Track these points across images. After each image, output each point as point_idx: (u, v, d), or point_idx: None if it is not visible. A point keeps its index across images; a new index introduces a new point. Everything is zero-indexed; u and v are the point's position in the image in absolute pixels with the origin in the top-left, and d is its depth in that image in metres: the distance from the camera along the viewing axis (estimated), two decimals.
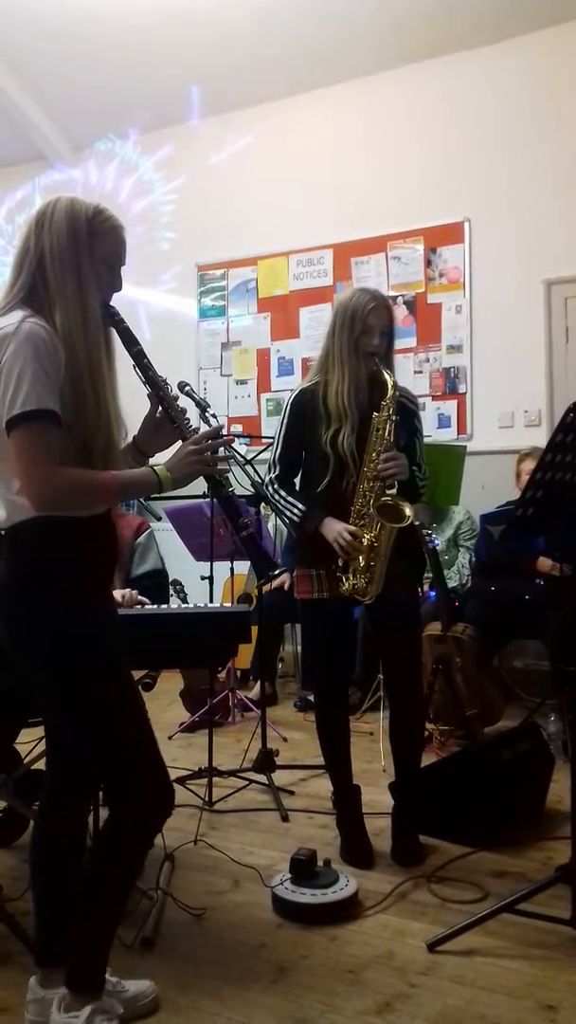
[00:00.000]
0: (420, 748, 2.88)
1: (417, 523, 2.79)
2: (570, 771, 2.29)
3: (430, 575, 3.68)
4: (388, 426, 2.60)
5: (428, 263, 5.38)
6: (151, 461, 1.92)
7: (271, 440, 2.84)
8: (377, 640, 2.92)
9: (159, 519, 3.42)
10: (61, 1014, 1.75)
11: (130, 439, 1.94)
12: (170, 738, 4.07)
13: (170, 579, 3.45)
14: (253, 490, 2.99)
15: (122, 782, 1.76)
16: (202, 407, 2.81)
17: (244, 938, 2.24)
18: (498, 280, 5.16)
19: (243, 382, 6.00)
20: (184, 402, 2.01)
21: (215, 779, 3.27)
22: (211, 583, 3.83)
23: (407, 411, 2.74)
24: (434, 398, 5.33)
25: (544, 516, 2.15)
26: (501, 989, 1.99)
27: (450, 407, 5.31)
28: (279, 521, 3.99)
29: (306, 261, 5.76)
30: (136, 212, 6.11)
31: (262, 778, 3.30)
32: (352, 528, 2.58)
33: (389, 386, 2.61)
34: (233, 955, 2.16)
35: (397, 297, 5.41)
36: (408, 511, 2.55)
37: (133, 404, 1.90)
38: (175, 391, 1.98)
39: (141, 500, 3.02)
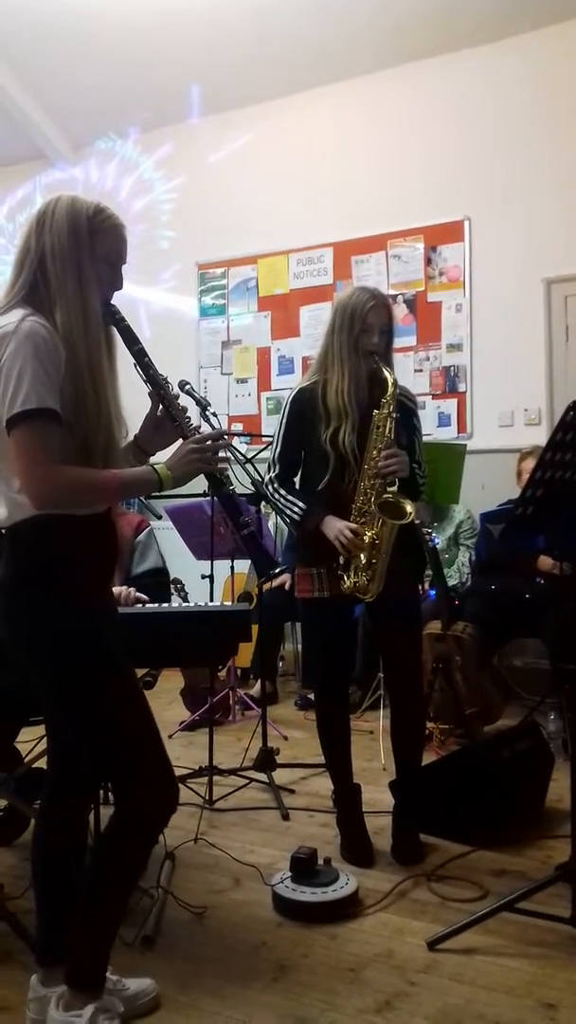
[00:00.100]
0: (421, 747, 2.88)
1: (417, 522, 2.79)
2: (570, 770, 2.29)
3: (430, 574, 3.68)
4: (388, 423, 2.60)
5: (428, 262, 5.37)
6: (152, 460, 1.92)
7: (271, 439, 2.84)
8: (378, 638, 2.92)
9: (159, 517, 3.42)
10: (61, 1012, 1.75)
11: (131, 438, 1.94)
12: (170, 736, 4.07)
13: (171, 578, 3.45)
14: (253, 489, 2.99)
15: (124, 779, 1.76)
16: (202, 406, 2.82)
17: (244, 936, 2.24)
18: (498, 279, 5.16)
19: (243, 381, 6.00)
20: (185, 401, 2.01)
21: (216, 778, 3.27)
22: (211, 582, 3.84)
23: (406, 410, 2.74)
24: (434, 397, 5.33)
25: (544, 515, 2.15)
26: (501, 987, 1.99)
27: (450, 406, 5.31)
28: (279, 520, 4.00)
29: (306, 260, 5.76)
30: (136, 211, 6.11)
31: (263, 777, 3.31)
32: (353, 526, 2.58)
33: (389, 383, 2.61)
34: (234, 953, 2.16)
35: (397, 296, 5.41)
36: (409, 507, 2.55)
37: (134, 403, 1.90)
38: (176, 390, 1.98)
39: (142, 498, 3.02)
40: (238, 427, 5.87)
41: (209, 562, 3.81)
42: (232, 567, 4.06)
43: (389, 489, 2.57)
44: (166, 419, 1.94)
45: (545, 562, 3.92)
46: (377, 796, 2.97)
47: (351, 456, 2.60)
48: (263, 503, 3.21)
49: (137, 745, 1.76)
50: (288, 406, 2.76)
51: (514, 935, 2.20)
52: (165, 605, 2.79)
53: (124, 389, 1.82)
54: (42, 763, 2.12)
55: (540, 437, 4.60)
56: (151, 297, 6.10)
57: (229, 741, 3.95)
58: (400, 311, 5.36)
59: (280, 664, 5.23)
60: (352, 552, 2.58)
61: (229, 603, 4.04)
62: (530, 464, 3.82)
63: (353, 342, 2.65)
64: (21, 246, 1.76)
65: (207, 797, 3.19)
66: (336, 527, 2.59)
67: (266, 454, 2.91)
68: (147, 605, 2.80)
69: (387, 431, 2.59)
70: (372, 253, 5.54)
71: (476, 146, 5.18)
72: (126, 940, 2.13)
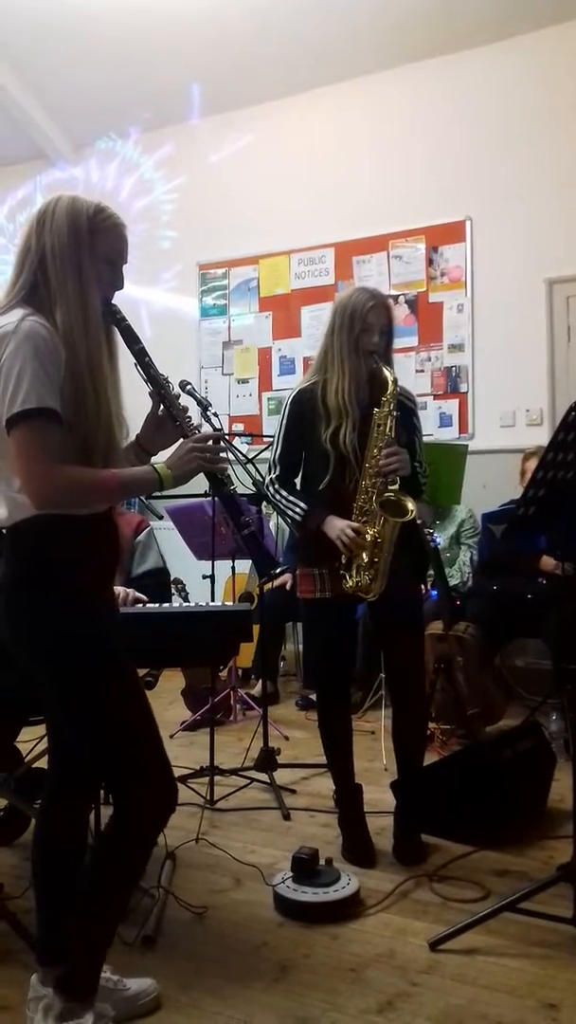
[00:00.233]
0: (422, 747, 2.88)
1: (419, 522, 2.79)
2: (572, 770, 2.29)
3: (432, 574, 3.68)
4: (389, 422, 2.60)
5: (430, 262, 5.37)
6: (152, 460, 1.92)
7: (272, 439, 2.84)
8: (380, 638, 2.92)
9: (160, 518, 3.41)
10: (50, 1022, 1.72)
11: (132, 438, 1.94)
12: (172, 736, 4.07)
13: (172, 578, 3.45)
14: (254, 489, 2.99)
15: (124, 779, 1.76)
16: (203, 406, 2.81)
17: (246, 936, 2.24)
18: (500, 279, 5.16)
19: (244, 381, 5.99)
20: (186, 401, 2.01)
21: (216, 778, 3.27)
22: (212, 582, 3.83)
23: (406, 409, 2.74)
24: (435, 397, 5.33)
25: (546, 515, 2.15)
26: (503, 988, 1.99)
27: (451, 406, 5.31)
28: (281, 520, 4.00)
29: (307, 260, 5.76)
30: (137, 211, 6.11)
31: (264, 777, 3.31)
32: (355, 525, 2.57)
33: (389, 382, 2.61)
34: (235, 953, 2.16)
35: (399, 296, 5.41)
36: (411, 505, 2.55)
37: (135, 403, 1.90)
38: (176, 390, 1.98)
39: (142, 498, 3.02)
40: (239, 427, 5.87)
41: (210, 562, 3.81)
42: (233, 567, 4.06)
43: (390, 487, 2.57)
44: (167, 419, 1.94)
45: (547, 562, 3.92)
46: (379, 796, 2.96)
47: (352, 455, 2.60)
48: (264, 503, 3.21)
49: (138, 745, 1.76)
50: (288, 407, 2.76)
51: (516, 935, 2.19)
52: (166, 605, 2.79)
53: (125, 389, 1.82)
54: (42, 763, 2.12)
55: (542, 437, 4.60)
56: (152, 297, 6.10)
57: (230, 741, 3.95)
58: (402, 311, 5.36)
59: (281, 664, 5.23)
60: (354, 551, 2.58)
61: (230, 603, 4.04)
62: (534, 464, 3.82)
63: (353, 342, 2.65)
64: (21, 246, 1.76)
65: (208, 797, 3.18)
66: (338, 526, 2.58)
67: (267, 454, 2.91)
68: (148, 605, 2.79)
69: (388, 430, 2.59)
70: (373, 253, 5.53)
71: (477, 146, 5.18)
72: (127, 940, 2.14)
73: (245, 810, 3.14)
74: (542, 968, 2.06)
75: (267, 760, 3.32)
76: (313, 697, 3.80)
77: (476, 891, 2.45)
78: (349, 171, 5.55)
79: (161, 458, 1.85)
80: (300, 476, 2.81)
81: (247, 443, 4.87)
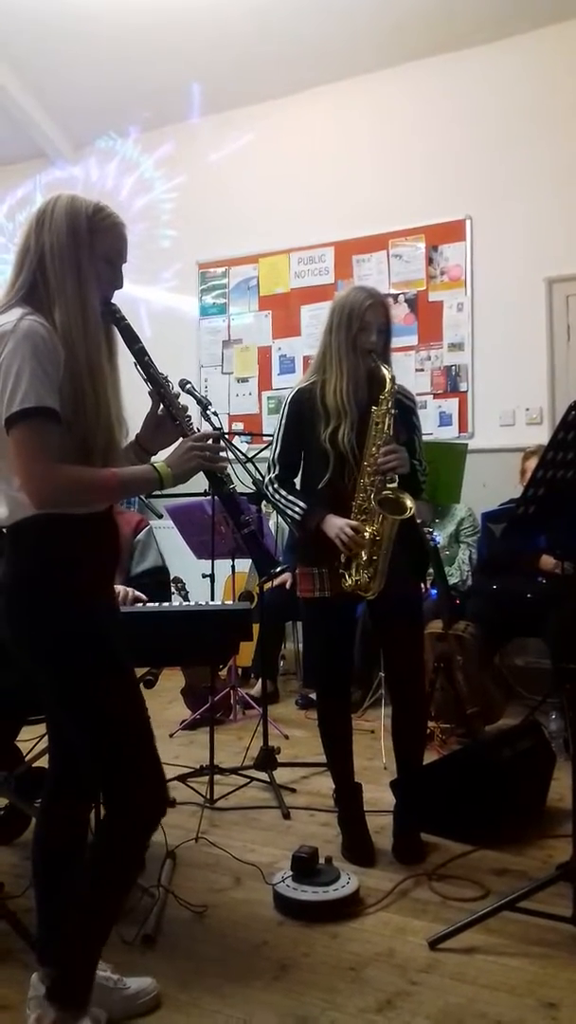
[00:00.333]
0: (422, 746, 2.87)
1: (419, 521, 2.79)
2: (571, 769, 2.29)
3: (432, 573, 3.68)
4: (387, 420, 2.60)
5: (429, 261, 5.37)
6: (152, 459, 1.91)
7: (271, 438, 2.84)
8: (380, 637, 2.92)
9: (160, 516, 3.41)
10: None
11: (132, 437, 1.94)
12: (171, 736, 4.07)
13: (171, 577, 3.44)
14: (254, 488, 2.99)
15: (122, 779, 1.76)
16: (203, 405, 2.81)
17: (245, 935, 2.24)
18: (499, 278, 5.16)
19: (244, 380, 5.99)
20: (185, 400, 2.01)
21: (216, 777, 3.27)
22: (212, 581, 3.83)
23: (405, 408, 2.74)
24: (435, 396, 5.33)
25: (546, 514, 2.15)
26: (502, 987, 1.99)
27: (451, 405, 5.31)
28: (280, 519, 4.00)
29: (307, 259, 5.76)
30: (137, 210, 6.11)
31: (263, 776, 3.31)
32: (354, 523, 2.58)
33: (387, 380, 2.61)
34: (234, 952, 2.16)
35: (398, 295, 5.41)
36: (409, 502, 2.55)
37: (135, 402, 1.90)
38: (176, 389, 1.98)
39: (142, 497, 3.02)
40: (239, 426, 5.87)
41: (210, 561, 3.81)
42: (233, 566, 4.06)
43: (389, 485, 2.57)
44: (167, 418, 1.93)
45: (547, 561, 3.92)
46: (378, 795, 2.96)
47: (351, 454, 2.60)
48: (264, 502, 3.21)
49: (136, 746, 1.76)
50: (287, 407, 2.76)
51: (515, 934, 2.19)
52: (166, 604, 2.79)
53: (125, 389, 1.82)
54: (42, 762, 2.12)
55: (541, 436, 4.60)
56: (152, 296, 6.10)
57: (230, 740, 3.95)
58: (401, 311, 5.36)
59: (281, 663, 5.23)
60: (353, 549, 2.58)
61: (230, 602, 4.04)
62: (534, 463, 3.82)
63: (351, 341, 2.65)
64: (21, 245, 1.76)
65: (208, 796, 3.18)
66: (337, 525, 2.59)
67: (266, 453, 2.91)
68: (147, 604, 2.79)
69: (386, 427, 2.59)
70: (373, 252, 5.53)
71: (477, 145, 5.18)
72: (127, 939, 2.14)
73: (245, 809, 3.14)
74: (541, 967, 2.06)
75: (267, 759, 3.32)
76: (313, 696, 3.80)
77: (475, 890, 2.45)
78: (349, 170, 5.55)
79: (161, 457, 1.85)
80: (300, 475, 2.81)
81: (247, 442, 4.88)
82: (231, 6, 5.09)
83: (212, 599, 3.82)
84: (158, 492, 1.88)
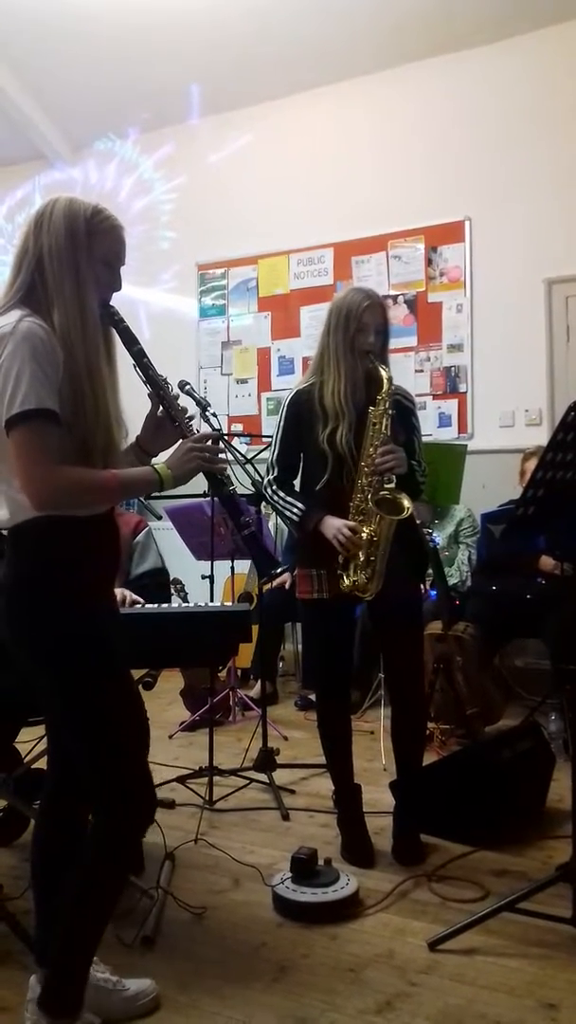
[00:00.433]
0: (422, 747, 2.87)
1: (418, 522, 2.78)
2: (571, 770, 2.29)
3: (431, 574, 3.67)
4: (384, 420, 2.60)
5: (429, 262, 5.37)
6: (152, 460, 1.91)
7: (270, 439, 2.84)
8: (379, 638, 2.91)
9: (159, 518, 3.41)
10: None
11: (132, 439, 1.94)
12: (171, 737, 4.07)
13: (171, 578, 3.44)
14: (254, 489, 2.99)
15: (118, 780, 1.75)
16: (202, 406, 2.81)
17: (245, 937, 2.24)
18: (499, 279, 5.16)
19: (243, 381, 5.99)
20: (185, 401, 2.01)
21: (216, 778, 3.27)
22: (212, 582, 3.83)
23: (404, 409, 2.74)
24: (435, 397, 5.33)
25: (545, 515, 2.15)
26: (502, 988, 1.99)
27: (451, 406, 5.31)
28: (280, 520, 4.00)
29: (306, 260, 5.76)
30: (136, 211, 6.11)
31: (263, 777, 3.30)
32: (350, 524, 2.58)
33: (385, 381, 2.61)
34: (234, 954, 2.16)
35: (398, 296, 5.41)
36: (407, 503, 2.55)
37: (134, 404, 1.90)
38: (175, 390, 1.98)
39: (142, 499, 3.02)
40: (238, 427, 5.87)
41: (209, 562, 3.81)
42: (232, 567, 4.07)
43: (386, 486, 2.57)
44: (166, 420, 1.93)
45: (546, 562, 3.92)
46: (378, 796, 2.96)
47: (349, 455, 2.60)
48: (263, 503, 3.21)
49: (133, 751, 1.76)
50: (285, 409, 2.76)
51: (515, 935, 2.19)
52: (165, 606, 2.78)
53: (124, 390, 1.82)
54: (42, 763, 2.12)
55: (541, 437, 4.60)
56: (151, 298, 6.10)
57: (229, 741, 3.95)
58: (401, 311, 5.37)
59: (280, 664, 5.23)
60: (350, 550, 2.58)
61: (229, 603, 4.04)
62: (533, 464, 3.82)
63: (349, 342, 2.65)
64: (19, 247, 1.76)
65: (207, 797, 3.18)
66: (334, 526, 2.59)
67: (266, 454, 2.91)
68: (147, 606, 2.79)
69: (383, 428, 2.59)
70: (373, 254, 5.53)
71: (477, 146, 5.18)
72: (126, 940, 2.14)
73: (244, 810, 3.14)
74: (541, 968, 2.06)
75: (266, 760, 3.32)
76: (312, 697, 3.80)
77: (475, 891, 2.45)
78: (348, 171, 5.55)
79: (161, 459, 1.85)
80: (299, 476, 2.81)
81: (246, 443, 4.88)
82: (230, 7, 5.09)
83: (211, 600, 3.81)
84: (158, 493, 1.88)
